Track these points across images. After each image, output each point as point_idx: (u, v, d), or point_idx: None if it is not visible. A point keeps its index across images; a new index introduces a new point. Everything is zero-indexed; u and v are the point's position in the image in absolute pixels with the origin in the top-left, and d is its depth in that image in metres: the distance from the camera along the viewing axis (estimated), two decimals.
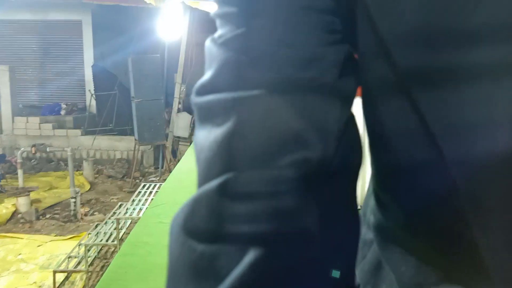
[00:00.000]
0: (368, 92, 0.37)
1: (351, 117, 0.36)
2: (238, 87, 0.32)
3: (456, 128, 0.31)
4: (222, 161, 0.32)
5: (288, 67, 0.32)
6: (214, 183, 0.31)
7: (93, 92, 9.37)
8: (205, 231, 0.31)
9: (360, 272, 0.46)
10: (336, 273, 0.31)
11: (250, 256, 0.28)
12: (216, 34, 0.36)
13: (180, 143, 8.30)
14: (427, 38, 0.30)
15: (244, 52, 0.33)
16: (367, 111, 0.39)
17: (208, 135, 0.33)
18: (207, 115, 0.34)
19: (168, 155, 7.84)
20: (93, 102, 9.44)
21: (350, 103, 0.35)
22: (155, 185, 5.55)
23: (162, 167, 7.76)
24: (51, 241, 4.83)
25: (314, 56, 0.33)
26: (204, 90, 0.34)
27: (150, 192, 5.23)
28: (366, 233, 0.46)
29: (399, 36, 0.31)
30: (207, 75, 0.34)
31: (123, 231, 4.35)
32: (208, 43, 0.37)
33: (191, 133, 8.36)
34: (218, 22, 0.37)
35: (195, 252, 0.30)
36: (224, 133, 0.31)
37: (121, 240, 3.95)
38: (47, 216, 5.74)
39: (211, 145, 0.32)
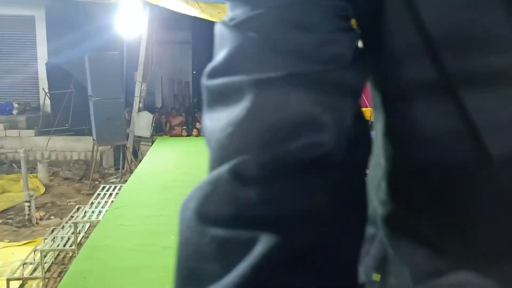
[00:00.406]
0: (398, 90, 0.38)
1: (361, 110, 0.37)
2: (254, 70, 0.32)
3: (502, 127, 0.33)
4: (234, 144, 0.32)
5: (304, 50, 0.32)
6: (226, 167, 0.31)
7: (47, 90, 9.02)
8: (217, 215, 0.30)
9: (364, 269, 0.46)
10: None
11: (262, 243, 0.28)
12: (227, 17, 0.36)
13: (141, 143, 8.15)
14: (477, 41, 0.31)
15: (259, 34, 0.33)
16: (392, 110, 0.40)
17: (219, 118, 0.33)
18: (220, 98, 0.33)
19: (129, 156, 7.67)
20: (48, 101, 9.09)
21: (361, 91, 0.36)
22: (115, 187, 5.42)
23: (123, 168, 7.59)
24: (5, 247, 4.62)
25: (330, 40, 0.33)
26: (217, 73, 0.34)
27: (110, 194, 5.11)
28: (368, 228, 0.46)
29: (450, 38, 0.32)
30: (219, 58, 0.34)
31: (81, 235, 4.23)
32: (218, 26, 0.36)
33: (153, 133, 8.23)
34: (229, 5, 0.37)
35: (207, 236, 0.30)
36: (238, 115, 0.31)
37: (80, 244, 3.83)
38: (0, 221, 5.49)
39: (223, 127, 0.32)
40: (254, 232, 0.28)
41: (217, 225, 0.30)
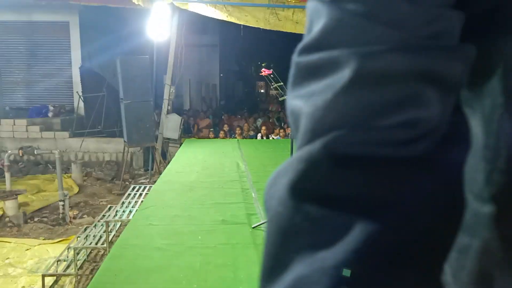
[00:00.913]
0: None
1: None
2: (355, 43, 0.31)
3: None
4: (330, 118, 0.31)
5: (410, 24, 0.31)
6: (320, 142, 0.30)
7: (81, 93, 9.30)
8: (311, 193, 0.30)
9: (459, 284, 0.42)
10: (347, 272, 0.28)
11: (361, 228, 0.27)
12: None
13: (169, 144, 8.28)
14: None
15: (361, 6, 0.31)
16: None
17: (313, 92, 0.32)
18: (315, 72, 0.32)
19: (158, 157, 7.81)
20: (81, 104, 9.37)
21: (466, 72, 0.33)
22: (144, 187, 5.53)
23: (152, 169, 7.73)
24: (40, 244, 4.78)
25: (437, 15, 0.31)
26: (312, 48, 0.33)
27: (140, 194, 5.22)
28: (461, 238, 0.40)
29: None
30: (314, 33, 0.33)
31: (112, 234, 4.33)
32: (311, 3, 0.35)
33: (181, 135, 8.35)
34: None
35: (300, 212, 0.29)
36: (336, 89, 0.30)
37: (111, 243, 3.93)
38: (35, 219, 5.68)
39: (318, 101, 0.31)
40: (351, 214, 0.28)
41: (311, 202, 0.29)
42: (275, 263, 0.30)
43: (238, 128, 9.70)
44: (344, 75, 0.30)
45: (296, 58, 0.34)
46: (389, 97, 0.30)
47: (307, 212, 0.29)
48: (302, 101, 0.32)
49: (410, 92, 0.30)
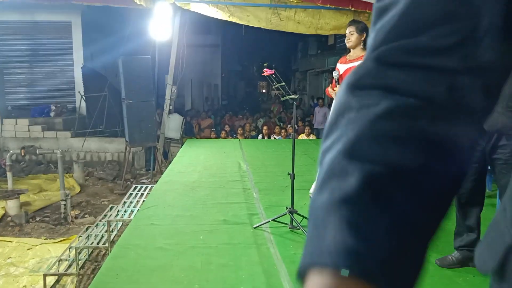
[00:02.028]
0: None
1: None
2: None
3: None
4: (381, 36, 0.42)
5: None
6: (372, 54, 0.41)
7: (83, 93, 9.31)
8: (362, 85, 0.41)
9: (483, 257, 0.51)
10: (345, 272, 0.34)
11: (389, 102, 0.39)
12: None
13: (171, 144, 8.29)
14: None
15: None
16: None
17: (380, 25, 0.43)
18: (381, 13, 0.43)
19: (159, 157, 7.82)
20: (83, 104, 9.39)
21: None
22: (146, 187, 5.54)
23: (153, 169, 7.74)
24: (41, 244, 4.79)
25: None
26: None
27: (142, 194, 5.22)
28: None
29: None
30: None
31: (114, 233, 4.33)
32: None
33: (182, 135, 8.36)
34: None
35: (352, 100, 0.41)
36: (390, 14, 0.41)
37: (112, 242, 3.94)
38: (37, 219, 5.70)
39: (377, 28, 0.43)
40: (384, 94, 0.39)
41: (359, 95, 0.40)
42: (331, 127, 0.42)
43: (240, 128, 9.70)
44: (397, 6, 0.41)
45: (375, 4, 0.45)
46: (429, 15, 0.40)
47: (357, 95, 0.41)
48: (373, 33, 0.43)
49: (448, 10, 0.39)
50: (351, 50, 3.63)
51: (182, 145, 7.61)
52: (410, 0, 0.40)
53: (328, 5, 7.42)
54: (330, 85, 3.72)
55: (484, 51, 0.39)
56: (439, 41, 0.39)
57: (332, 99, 3.69)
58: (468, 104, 0.40)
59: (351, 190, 0.37)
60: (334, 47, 16.43)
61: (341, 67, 3.61)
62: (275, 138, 9.01)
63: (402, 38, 0.40)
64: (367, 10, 7.51)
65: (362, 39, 3.59)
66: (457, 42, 0.39)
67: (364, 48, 3.62)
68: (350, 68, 3.53)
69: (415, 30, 0.40)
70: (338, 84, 3.54)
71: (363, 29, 3.59)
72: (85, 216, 5.90)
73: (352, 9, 7.44)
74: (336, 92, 3.51)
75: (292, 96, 3.07)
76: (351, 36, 3.55)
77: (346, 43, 3.63)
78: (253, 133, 10.05)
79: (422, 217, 0.38)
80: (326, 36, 16.25)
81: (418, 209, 0.37)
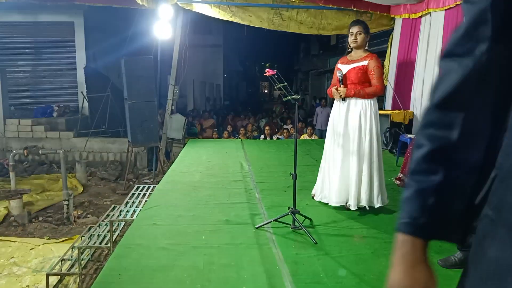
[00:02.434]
0: None
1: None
2: None
3: None
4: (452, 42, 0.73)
5: None
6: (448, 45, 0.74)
7: (85, 94, 9.34)
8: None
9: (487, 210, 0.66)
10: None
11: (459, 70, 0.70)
12: None
13: (173, 144, 8.30)
14: None
15: None
16: None
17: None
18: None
19: (162, 157, 7.83)
20: (86, 104, 9.41)
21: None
22: (148, 187, 5.55)
23: (156, 169, 7.75)
24: (44, 244, 4.80)
25: None
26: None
27: (144, 194, 5.23)
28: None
29: None
30: None
31: (116, 233, 4.34)
32: None
33: (184, 135, 8.36)
34: None
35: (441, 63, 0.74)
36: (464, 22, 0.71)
37: (115, 242, 3.94)
38: (40, 219, 5.71)
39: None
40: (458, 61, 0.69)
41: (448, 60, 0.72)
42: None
43: (242, 129, 9.70)
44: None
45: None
46: (476, 20, 0.68)
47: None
48: None
49: (485, 18, 0.67)
50: (353, 50, 3.60)
51: (184, 145, 7.62)
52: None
53: (330, 5, 7.41)
54: (331, 86, 3.70)
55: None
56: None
57: (333, 99, 3.68)
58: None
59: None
60: (336, 47, 16.41)
61: (343, 68, 3.59)
62: (278, 138, 9.01)
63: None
64: (369, 10, 7.50)
65: (367, 39, 3.57)
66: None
67: (366, 49, 3.60)
68: (354, 68, 3.51)
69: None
70: (342, 84, 3.53)
71: (368, 30, 3.58)
72: (88, 216, 5.91)
73: (355, 9, 7.43)
74: (339, 92, 3.50)
75: (294, 97, 3.07)
76: (359, 36, 3.51)
77: (351, 42, 3.56)
78: (255, 133, 10.05)
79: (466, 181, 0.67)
80: (328, 36, 16.24)
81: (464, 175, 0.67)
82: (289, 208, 3.15)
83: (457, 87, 0.67)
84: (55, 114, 9.28)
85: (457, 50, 0.70)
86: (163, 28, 7.42)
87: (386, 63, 7.75)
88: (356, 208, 3.47)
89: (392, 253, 0.72)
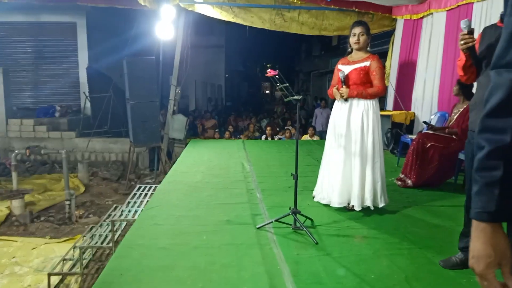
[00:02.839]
0: None
1: None
2: None
3: None
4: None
5: None
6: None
7: (87, 94, 9.36)
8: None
9: None
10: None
11: None
12: None
13: (175, 145, 8.31)
14: None
15: None
16: None
17: None
18: None
19: (163, 157, 7.84)
20: (88, 104, 9.43)
21: None
22: (150, 187, 5.56)
23: (157, 169, 7.77)
24: (46, 243, 4.81)
25: None
26: None
27: (146, 194, 5.24)
28: None
29: None
30: None
31: (118, 233, 4.35)
32: None
33: (186, 135, 8.37)
34: None
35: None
36: None
37: (116, 242, 3.95)
38: (42, 218, 5.72)
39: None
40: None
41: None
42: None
43: (246, 132, 9.71)
44: None
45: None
46: None
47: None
48: None
49: None
50: (354, 51, 3.60)
51: (185, 146, 7.63)
52: None
53: (332, 6, 7.42)
54: (332, 87, 3.69)
55: None
56: None
57: (334, 100, 3.68)
58: None
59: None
60: (338, 48, 16.42)
61: (344, 68, 3.58)
62: (279, 139, 9.01)
63: None
64: (370, 11, 7.50)
65: (369, 40, 3.57)
66: None
67: (367, 50, 3.60)
68: (356, 69, 3.51)
69: None
70: (345, 84, 3.53)
71: (369, 31, 3.57)
72: (90, 216, 5.92)
73: (356, 10, 7.44)
74: (342, 93, 3.50)
75: (296, 97, 3.07)
76: (361, 37, 3.51)
77: (353, 44, 3.55)
78: (257, 134, 10.06)
79: None
80: (330, 37, 16.25)
81: None
82: (290, 209, 3.16)
83: (505, 98, 0.84)
84: (57, 114, 9.30)
85: (501, 62, 0.86)
86: (165, 29, 7.43)
87: (387, 63, 7.75)
88: (361, 208, 3.48)
89: (473, 233, 0.90)
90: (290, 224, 3.13)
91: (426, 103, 6.50)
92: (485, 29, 2.44)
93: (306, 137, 8.76)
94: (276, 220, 3.15)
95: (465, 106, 4.45)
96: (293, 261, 2.59)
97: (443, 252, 2.67)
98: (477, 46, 2.41)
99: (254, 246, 2.83)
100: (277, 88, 3.13)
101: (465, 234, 2.51)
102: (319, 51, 19.88)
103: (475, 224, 0.89)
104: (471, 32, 2.33)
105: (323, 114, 10.08)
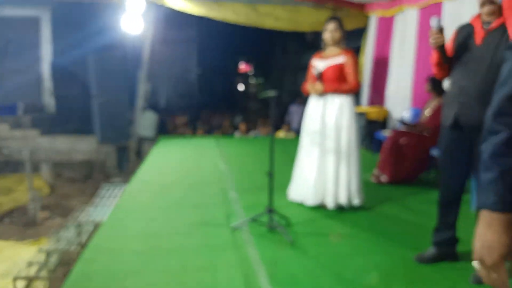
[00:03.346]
0: None
1: None
2: None
3: None
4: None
5: None
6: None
7: (51, 90, 9.03)
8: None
9: None
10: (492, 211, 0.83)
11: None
12: None
13: (145, 143, 8.12)
14: None
15: None
16: None
17: None
18: None
19: (133, 156, 7.65)
20: (53, 101, 9.10)
21: None
22: (119, 188, 5.41)
23: (126, 169, 7.58)
24: (10, 247, 4.61)
25: None
26: None
27: (114, 195, 5.09)
28: None
29: None
30: None
31: (85, 236, 4.19)
32: None
33: (156, 133, 8.20)
34: None
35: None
36: None
37: (84, 245, 3.80)
38: (5, 221, 5.47)
39: None
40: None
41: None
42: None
43: (219, 129, 9.61)
44: None
45: None
46: None
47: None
48: None
49: None
50: (329, 46, 3.57)
51: (155, 143, 7.48)
52: None
53: (306, 1, 7.42)
54: (306, 82, 3.66)
55: None
56: None
57: (307, 96, 3.64)
58: None
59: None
60: (313, 44, 16.52)
61: (320, 64, 3.54)
62: (253, 136, 8.96)
63: None
64: (345, 7, 7.55)
65: (343, 36, 3.54)
66: None
67: (342, 45, 3.57)
68: (331, 67, 3.46)
69: None
70: (319, 80, 3.49)
71: (343, 27, 3.55)
72: (55, 218, 5.73)
73: (330, 6, 7.47)
74: (317, 89, 3.46)
75: (270, 93, 3.01)
76: (335, 33, 3.48)
77: (327, 39, 3.52)
78: (231, 130, 9.98)
79: None
80: (304, 33, 16.31)
81: None
82: (265, 207, 3.10)
83: None
84: (20, 112, 8.92)
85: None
86: (133, 23, 7.21)
87: (361, 60, 7.82)
88: (335, 206, 3.45)
89: (478, 225, 0.86)
90: (266, 223, 3.07)
91: (400, 99, 6.58)
92: (460, 27, 2.47)
93: (281, 133, 8.75)
94: (251, 220, 3.09)
95: (435, 103, 4.52)
96: (269, 262, 2.53)
97: (418, 248, 2.68)
98: (452, 44, 2.44)
99: (229, 248, 2.76)
100: (250, 83, 3.07)
101: (439, 229, 2.54)
102: (294, 47, 19.97)
103: (486, 213, 0.83)
104: (441, 30, 2.35)
105: (298, 111, 10.09)
